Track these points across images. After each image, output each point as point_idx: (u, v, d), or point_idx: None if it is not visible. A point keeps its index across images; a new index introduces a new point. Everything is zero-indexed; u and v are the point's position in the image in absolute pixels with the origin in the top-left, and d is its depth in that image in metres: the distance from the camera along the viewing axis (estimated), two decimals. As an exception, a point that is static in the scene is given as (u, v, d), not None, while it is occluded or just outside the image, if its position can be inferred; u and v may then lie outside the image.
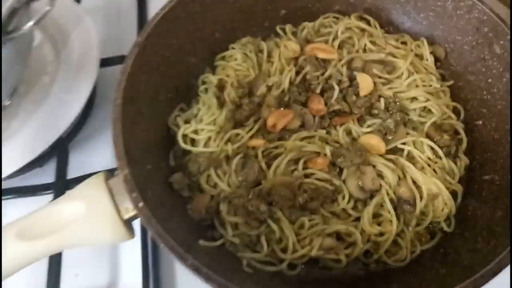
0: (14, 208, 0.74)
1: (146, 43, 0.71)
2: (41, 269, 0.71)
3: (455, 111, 0.80)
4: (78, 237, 0.58)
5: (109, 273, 0.76)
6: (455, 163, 0.73)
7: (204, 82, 0.85)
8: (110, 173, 0.63)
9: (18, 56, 0.78)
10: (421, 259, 0.67)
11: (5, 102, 0.83)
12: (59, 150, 0.83)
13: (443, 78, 0.83)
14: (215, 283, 0.52)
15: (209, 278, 0.52)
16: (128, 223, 0.60)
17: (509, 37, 0.70)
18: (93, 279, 0.76)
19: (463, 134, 0.76)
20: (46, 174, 0.82)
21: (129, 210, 0.59)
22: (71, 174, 0.82)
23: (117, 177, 0.61)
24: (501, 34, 0.71)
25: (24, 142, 0.77)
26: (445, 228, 0.68)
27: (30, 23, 0.71)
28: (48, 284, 0.70)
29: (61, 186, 0.79)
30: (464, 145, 0.76)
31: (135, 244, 0.74)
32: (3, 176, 0.73)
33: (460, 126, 0.77)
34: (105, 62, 0.93)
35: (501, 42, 0.71)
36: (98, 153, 0.87)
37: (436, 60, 0.84)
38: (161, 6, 0.75)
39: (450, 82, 0.81)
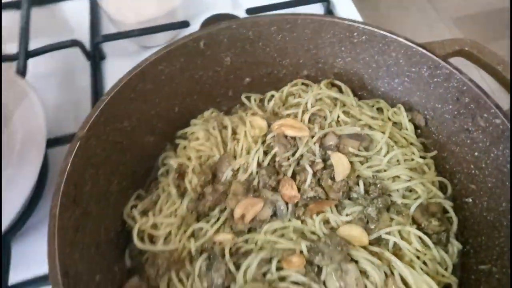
0: None
1: (89, 134, 0.62)
2: None
3: (441, 185, 0.73)
4: None
5: None
6: (447, 251, 0.65)
7: (164, 164, 0.76)
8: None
9: None
10: None
11: None
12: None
13: (425, 148, 0.77)
14: None
15: None
16: None
17: (493, 110, 0.64)
18: None
19: (452, 214, 0.69)
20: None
21: None
22: (14, 277, 0.71)
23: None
24: (483, 106, 0.65)
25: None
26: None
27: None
28: None
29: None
30: (455, 226, 0.68)
31: None
32: None
33: (448, 204, 0.70)
34: (55, 142, 0.84)
35: (485, 115, 0.65)
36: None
37: (416, 127, 0.78)
38: (117, 71, 0.67)
39: (434, 153, 0.75)
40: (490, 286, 0.60)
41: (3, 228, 0.69)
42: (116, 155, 0.69)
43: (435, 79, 0.72)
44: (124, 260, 0.67)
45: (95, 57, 1.03)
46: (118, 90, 0.66)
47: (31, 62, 0.94)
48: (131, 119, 0.71)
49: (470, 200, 0.69)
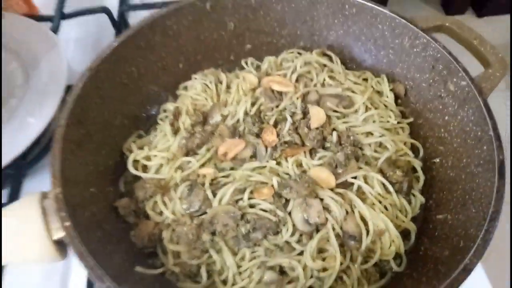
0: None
1: (99, 68, 0.72)
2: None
3: (415, 149, 0.78)
4: (6, 252, 0.57)
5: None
6: (410, 201, 0.71)
7: (165, 110, 0.85)
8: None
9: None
10: (369, 300, 0.63)
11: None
12: (15, 174, 0.83)
13: (403, 116, 0.82)
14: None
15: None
16: (59, 244, 0.59)
17: (461, 74, 0.69)
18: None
19: (420, 172, 0.75)
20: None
21: (60, 231, 0.58)
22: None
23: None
24: (453, 72, 0.71)
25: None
26: (395, 268, 0.65)
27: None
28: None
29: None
30: (421, 183, 0.74)
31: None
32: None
33: (417, 164, 0.75)
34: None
35: (455, 80, 0.71)
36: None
37: (397, 97, 0.84)
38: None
39: (410, 120, 0.81)
40: (443, 232, 0.65)
41: (23, 148, 0.79)
42: (121, 95, 0.78)
43: (415, 49, 0.78)
44: (118, 185, 0.75)
45: (121, 25, 1.14)
46: (130, 35, 0.76)
47: (64, 26, 1.07)
48: (139, 66, 0.81)
49: (438, 160, 0.74)
